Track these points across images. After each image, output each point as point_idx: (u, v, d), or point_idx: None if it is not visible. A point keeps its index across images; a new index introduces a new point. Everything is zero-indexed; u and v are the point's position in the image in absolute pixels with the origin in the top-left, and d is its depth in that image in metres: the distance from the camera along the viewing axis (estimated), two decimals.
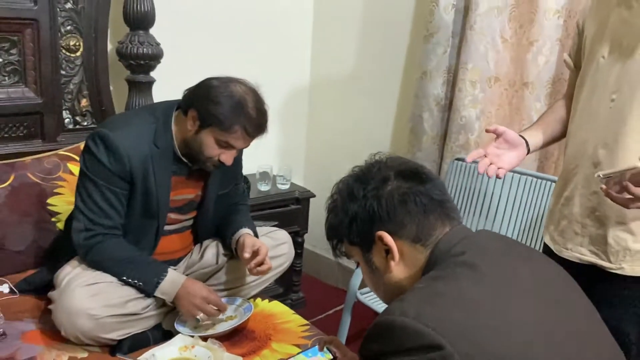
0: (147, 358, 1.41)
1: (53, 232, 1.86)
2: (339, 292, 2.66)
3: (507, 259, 0.89)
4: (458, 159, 2.12)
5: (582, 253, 1.30)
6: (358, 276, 2.12)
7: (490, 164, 1.34)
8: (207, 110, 1.50)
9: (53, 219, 1.86)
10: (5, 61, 1.91)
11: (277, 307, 1.76)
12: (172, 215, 1.68)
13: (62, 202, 1.88)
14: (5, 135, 1.95)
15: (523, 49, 2.02)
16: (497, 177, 1.36)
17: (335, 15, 2.73)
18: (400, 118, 2.52)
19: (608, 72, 1.24)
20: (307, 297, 2.69)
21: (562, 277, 0.92)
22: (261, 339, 1.58)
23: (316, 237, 2.70)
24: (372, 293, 2.05)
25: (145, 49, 2.04)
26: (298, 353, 1.27)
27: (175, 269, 1.62)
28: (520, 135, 1.41)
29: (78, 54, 2.04)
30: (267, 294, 1.93)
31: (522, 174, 1.97)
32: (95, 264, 1.54)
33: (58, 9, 1.95)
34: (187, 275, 1.73)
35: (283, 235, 1.84)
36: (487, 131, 1.42)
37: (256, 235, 1.74)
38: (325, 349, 1.25)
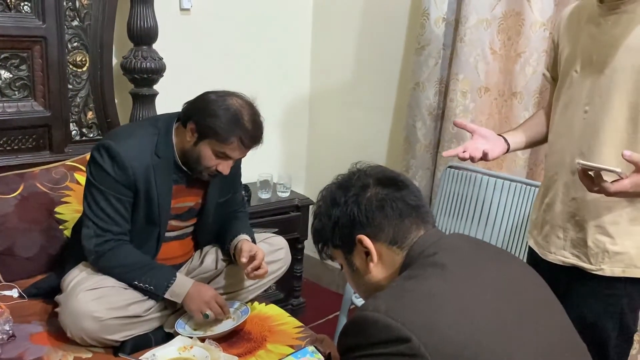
0: (148, 358, 1.47)
1: (60, 240, 1.93)
2: (338, 297, 2.69)
3: (476, 259, 0.95)
4: (451, 167, 2.18)
5: (564, 256, 1.36)
6: None
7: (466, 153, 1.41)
8: (205, 123, 1.57)
9: (60, 227, 1.93)
10: (15, 77, 1.99)
11: (273, 310, 1.82)
12: (173, 222, 1.74)
13: (69, 211, 1.95)
14: (15, 147, 2.03)
15: (511, 60, 2.09)
16: (484, 158, 1.41)
17: (333, 29, 2.81)
18: (396, 127, 2.58)
19: (580, 85, 1.31)
20: (308, 302, 2.74)
21: (529, 276, 0.98)
22: (257, 340, 1.64)
23: None
24: None
25: (148, 64, 2.12)
26: (288, 355, 1.32)
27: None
28: (500, 135, 1.48)
29: (84, 68, 2.13)
30: (269, 299, 1.99)
31: (512, 180, 2.02)
32: (105, 270, 1.61)
33: (65, 27, 2.04)
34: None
35: (280, 241, 1.90)
36: (455, 124, 1.48)
37: (254, 241, 1.80)
38: (314, 348, 1.30)
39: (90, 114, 2.18)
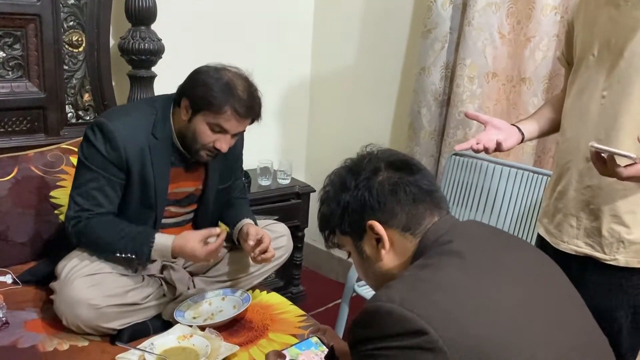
0: (146, 347, 1.44)
1: (55, 225, 1.89)
2: (338, 286, 2.68)
3: (493, 247, 0.91)
4: (456, 154, 2.14)
5: (578, 245, 1.33)
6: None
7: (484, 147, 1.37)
8: (196, 94, 1.52)
9: (55, 212, 1.89)
10: (9, 56, 1.93)
11: (275, 298, 1.78)
12: (172, 209, 1.70)
13: (65, 195, 1.89)
14: (9, 129, 1.98)
15: (520, 45, 2.03)
16: (498, 149, 1.38)
17: (336, 12, 2.75)
18: (400, 113, 2.54)
19: (598, 70, 1.26)
20: (307, 291, 2.71)
21: (546, 265, 0.94)
22: (259, 328, 1.60)
23: (316, 231, 2.67)
24: None
25: (146, 45, 2.06)
26: (291, 345, 1.28)
27: (169, 237, 1.58)
28: (514, 125, 1.44)
29: (81, 49, 2.07)
30: (268, 287, 1.95)
31: (519, 168, 1.99)
32: (89, 247, 1.56)
33: (61, 5, 1.98)
34: (187, 267, 1.76)
35: (282, 228, 1.86)
36: (466, 115, 1.45)
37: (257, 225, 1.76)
38: (317, 339, 1.27)
39: (86, 96, 2.12)
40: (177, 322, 1.56)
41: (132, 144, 1.54)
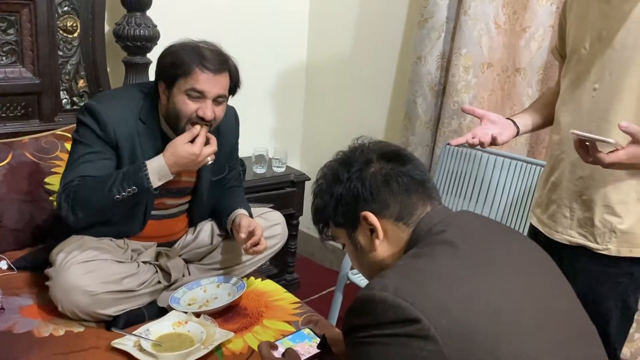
0: (141, 333, 1.45)
1: (50, 211, 1.88)
2: (332, 273, 2.70)
3: (485, 237, 0.92)
4: (450, 144, 2.14)
5: (571, 235, 1.35)
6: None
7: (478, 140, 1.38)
8: (165, 66, 1.53)
9: (50, 198, 1.89)
10: (3, 41, 1.92)
11: (269, 286, 1.80)
12: (167, 201, 1.69)
13: (59, 181, 1.90)
14: (3, 115, 1.97)
15: (516, 35, 2.04)
16: (494, 143, 1.39)
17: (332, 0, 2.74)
18: (395, 103, 2.54)
19: (589, 62, 1.27)
20: (301, 278, 2.73)
21: (538, 255, 0.95)
22: (253, 315, 1.62)
23: (311, 219, 2.73)
24: None
25: (142, 31, 2.05)
26: (284, 337, 1.28)
27: (158, 156, 1.53)
28: (509, 118, 1.45)
29: (75, 35, 2.05)
30: (263, 274, 1.97)
31: (512, 158, 2.00)
32: (86, 211, 1.50)
33: None
34: (182, 254, 1.77)
35: (277, 217, 1.86)
36: (463, 110, 1.46)
37: (251, 215, 1.76)
38: (310, 330, 1.28)
39: (81, 82, 2.11)
40: (172, 309, 1.57)
41: (120, 127, 1.54)
